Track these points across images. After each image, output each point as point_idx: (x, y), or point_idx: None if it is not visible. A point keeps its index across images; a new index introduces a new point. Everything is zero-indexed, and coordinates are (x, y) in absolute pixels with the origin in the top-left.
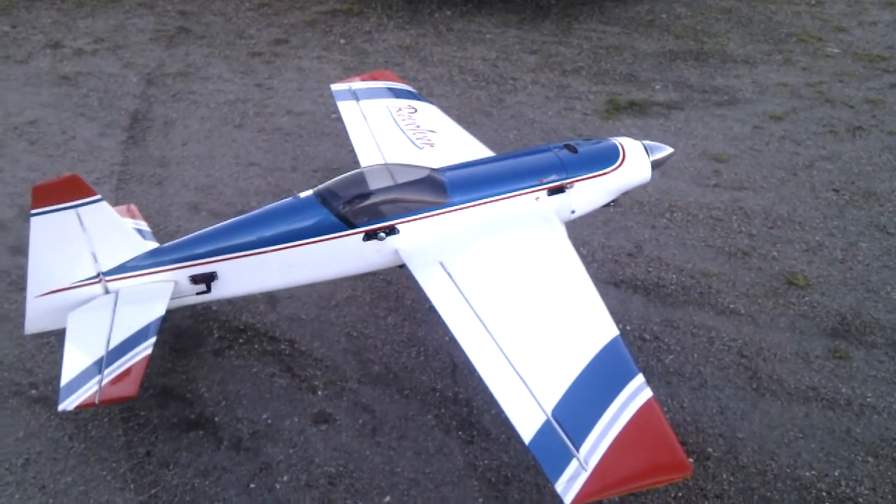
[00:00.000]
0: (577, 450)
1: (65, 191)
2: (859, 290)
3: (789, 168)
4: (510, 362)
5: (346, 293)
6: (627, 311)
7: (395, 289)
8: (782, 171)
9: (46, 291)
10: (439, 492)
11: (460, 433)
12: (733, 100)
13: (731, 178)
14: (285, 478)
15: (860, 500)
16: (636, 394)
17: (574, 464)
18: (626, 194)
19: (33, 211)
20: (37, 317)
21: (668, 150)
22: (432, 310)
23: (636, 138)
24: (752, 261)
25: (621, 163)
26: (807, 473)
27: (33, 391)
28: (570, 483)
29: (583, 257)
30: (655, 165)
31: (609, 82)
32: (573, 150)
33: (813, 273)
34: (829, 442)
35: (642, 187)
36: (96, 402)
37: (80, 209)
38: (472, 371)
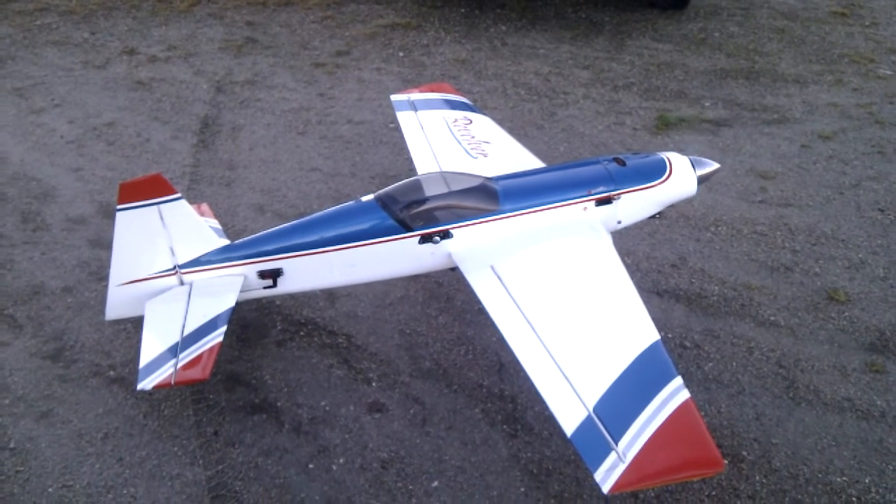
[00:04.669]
0: (616, 443)
1: (148, 188)
2: None
3: (835, 187)
4: (555, 361)
5: (401, 293)
6: (669, 319)
7: (447, 290)
8: (828, 189)
9: (127, 281)
10: (484, 480)
11: (505, 427)
12: (782, 118)
13: (777, 195)
14: (341, 460)
15: None
16: (674, 394)
17: (613, 456)
18: (672, 207)
19: (119, 206)
20: (117, 304)
21: (715, 165)
22: (481, 311)
23: (684, 153)
24: (794, 275)
25: (668, 177)
26: (838, 479)
27: (111, 372)
28: (608, 474)
29: (627, 267)
30: (702, 180)
31: (659, 98)
32: (622, 163)
33: (854, 289)
34: (861, 451)
35: (688, 201)
36: (172, 383)
37: (161, 206)
38: (517, 370)
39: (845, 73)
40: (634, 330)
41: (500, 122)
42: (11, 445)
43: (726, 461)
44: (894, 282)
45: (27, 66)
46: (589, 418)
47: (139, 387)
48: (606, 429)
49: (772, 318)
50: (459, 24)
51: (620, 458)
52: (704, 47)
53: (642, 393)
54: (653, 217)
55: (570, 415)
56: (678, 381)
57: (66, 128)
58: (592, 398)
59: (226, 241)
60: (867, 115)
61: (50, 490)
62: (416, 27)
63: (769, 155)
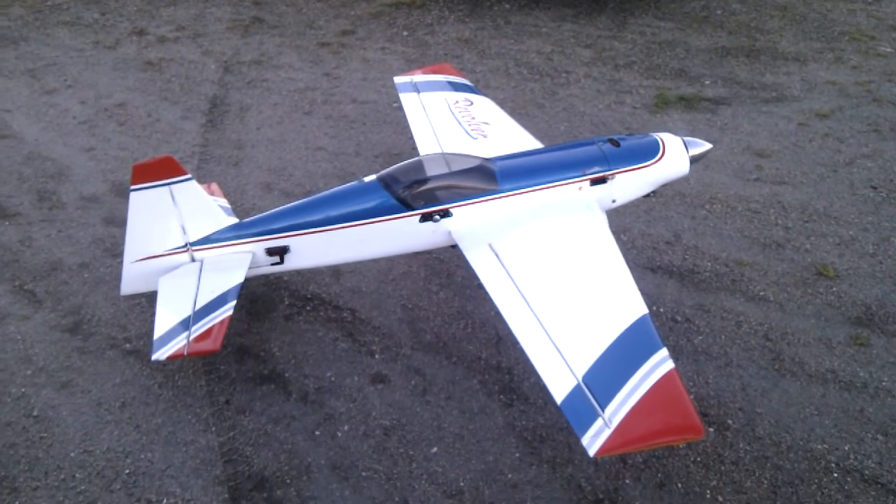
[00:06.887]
0: (603, 410)
1: (160, 169)
2: (887, 282)
3: (830, 165)
4: (548, 334)
5: (403, 269)
6: (662, 294)
7: (447, 266)
8: (823, 167)
9: (141, 258)
10: (481, 446)
11: (501, 397)
12: (781, 97)
13: (772, 173)
14: (346, 427)
15: (866, 472)
16: (659, 364)
17: (599, 422)
18: (667, 186)
19: (132, 187)
20: (132, 280)
21: (707, 145)
22: (480, 287)
23: (677, 134)
24: (785, 252)
25: (661, 157)
26: (818, 447)
27: (127, 345)
28: (594, 439)
29: (623, 244)
30: (694, 160)
31: (660, 77)
32: (616, 143)
33: (843, 265)
34: (842, 420)
35: (683, 180)
36: (185, 354)
37: (172, 186)
38: (514, 343)
39: (845, 51)
40: (624, 304)
41: (502, 102)
42: (35, 413)
43: (712, 429)
44: (883, 258)
45: (39, 47)
46: (578, 387)
47: (154, 358)
48: (594, 396)
49: (761, 293)
50: (463, 2)
51: (606, 424)
52: (706, 25)
53: (629, 363)
54: (647, 196)
55: (560, 384)
56: (663, 352)
57: (79, 108)
58: (582, 368)
59: (234, 220)
60: (865, 94)
61: (72, 455)
62: (420, 6)
63: (766, 133)
